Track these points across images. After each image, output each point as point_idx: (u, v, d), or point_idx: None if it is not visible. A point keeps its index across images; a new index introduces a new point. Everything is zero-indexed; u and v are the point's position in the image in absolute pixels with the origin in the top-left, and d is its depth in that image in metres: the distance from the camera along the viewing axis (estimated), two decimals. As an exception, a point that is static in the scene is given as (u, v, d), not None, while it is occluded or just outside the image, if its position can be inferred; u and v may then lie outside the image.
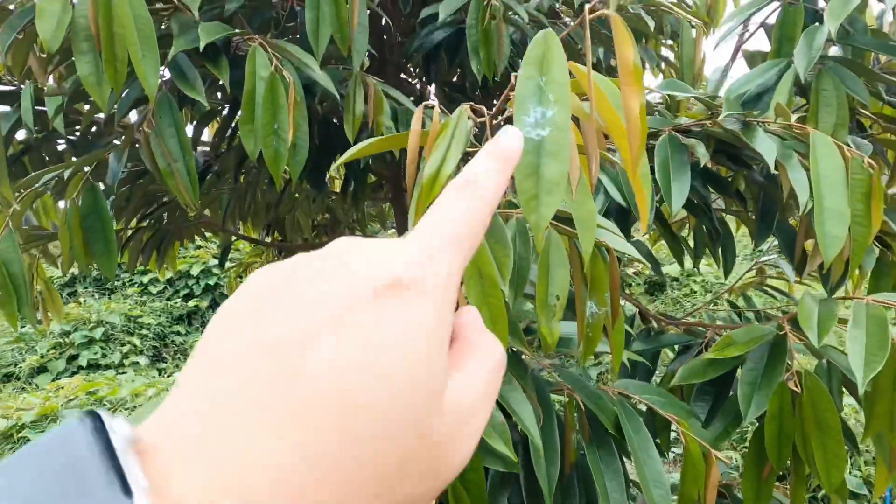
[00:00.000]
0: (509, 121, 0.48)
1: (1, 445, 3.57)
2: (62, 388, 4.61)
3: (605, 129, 0.43)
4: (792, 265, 1.10)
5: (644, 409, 0.84)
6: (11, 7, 1.10)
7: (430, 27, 1.33)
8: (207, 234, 2.59)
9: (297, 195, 2.82)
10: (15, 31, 0.76)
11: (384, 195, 2.92)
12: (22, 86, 1.42)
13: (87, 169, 1.25)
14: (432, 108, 0.51)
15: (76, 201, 1.21)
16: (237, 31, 0.83)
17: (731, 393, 0.88)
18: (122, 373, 6.02)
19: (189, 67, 0.82)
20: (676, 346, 1.13)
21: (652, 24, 1.24)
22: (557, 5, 1.68)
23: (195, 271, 8.07)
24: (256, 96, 0.83)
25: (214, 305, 8.07)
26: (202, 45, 0.74)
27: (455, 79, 1.81)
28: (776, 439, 0.74)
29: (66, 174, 1.17)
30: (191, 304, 7.73)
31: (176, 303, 7.65)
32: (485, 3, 1.11)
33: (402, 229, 2.07)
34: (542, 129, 0.39)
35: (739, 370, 0.90)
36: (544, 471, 0.65)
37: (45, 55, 1.01)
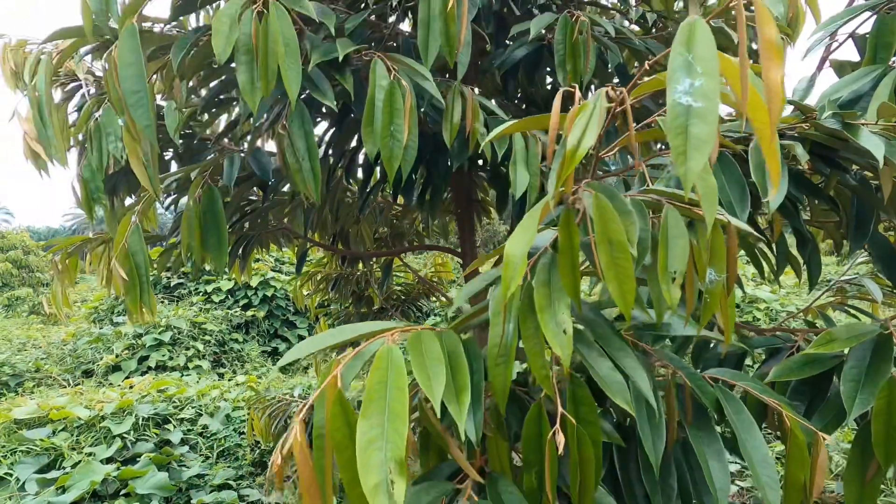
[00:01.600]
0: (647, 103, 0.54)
1: (84, 433, 3.87)
2: (135, 385, 4.94)
3: (739, 104, 0.48)
4: (887, 277, 1.08)
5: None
6: (157, 28, 1.29)
7: (515, 44, 1.42)
8: (274, 244, 2.76)
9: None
10: (184, 49, 0.90)
11: (446, 207, 3.02)
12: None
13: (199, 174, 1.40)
14: (572, 94, 0.58)
15: (197, 200, 1.36)
16: (362, 46, 0.94)
17: (829, 394, 0.88)
18: (187, 374, 6.37)
19: (321, 79, 0.94)
20: (762, 352, 1.13)
21: (736, 38, 1.27)
22: (629, 24, 1.74)
23: (254, 282, 8.50)
24: (377, 102, 0.93)
25: (271, 315, 8.43)
26: (341, 57, 0.86)
27: (519, 93, 1.88)
28: (884, 436, 0.74)
29: (193, 175, 1.33)
30: (249, 313, 8.12)
31: (236, 311, 8.06)
32: (573, 20, 1.19)
33: (466, 243, 2.15)
34: (691, 97, 0.45)
35: (835, 376, 0.90)
36: (651, 442, 0.68)
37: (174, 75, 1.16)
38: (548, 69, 1.62)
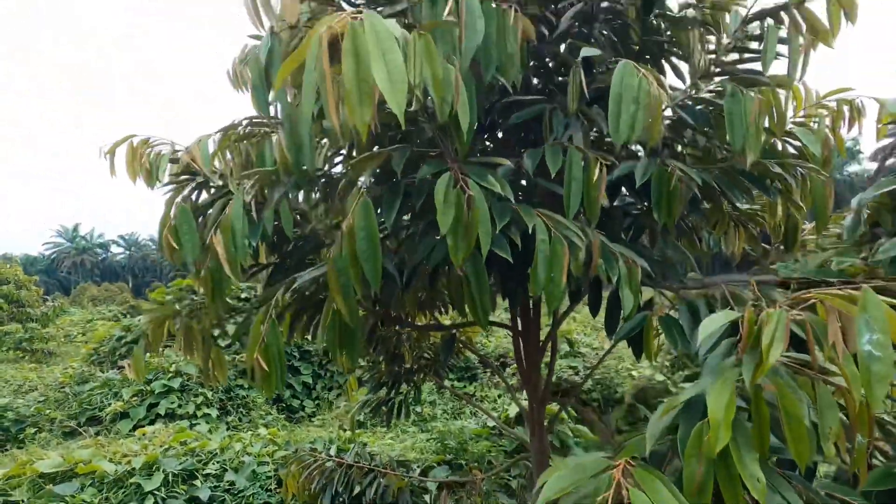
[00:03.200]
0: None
1: (113, 490, 3.86)
2: (156, 435, 4.92)
3: None
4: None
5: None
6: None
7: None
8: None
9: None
10: (394, 209, 1.13)
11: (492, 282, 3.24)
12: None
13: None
14: (756, 305, 0.82)
15: (334, 306, 1.56)
16: (533, 211, 1.19)
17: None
18: (196, 423, 6.32)
19: (499, 237, 1.18)
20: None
21: (793, 181, 1.56)
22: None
23: (260, 327, 8.52)
24: (539, 253, 1.17)
25: (276, 361, 8.42)
26: (530, 229, 1.09)
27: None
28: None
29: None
30: (255, 358, 8.10)
31: (243, 357, 8.06)
32: (669, 170, 1.46)
33: (531, 326, 2.37)
34: (872, 346, 0.69)
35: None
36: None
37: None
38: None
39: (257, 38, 1.86)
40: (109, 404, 6.48)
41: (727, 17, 2.00)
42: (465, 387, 8.22)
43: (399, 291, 3.49)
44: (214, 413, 6.70)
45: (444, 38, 1.02)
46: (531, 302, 2.35)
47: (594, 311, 1.80)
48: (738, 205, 2.29)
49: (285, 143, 1.28)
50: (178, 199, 1.94)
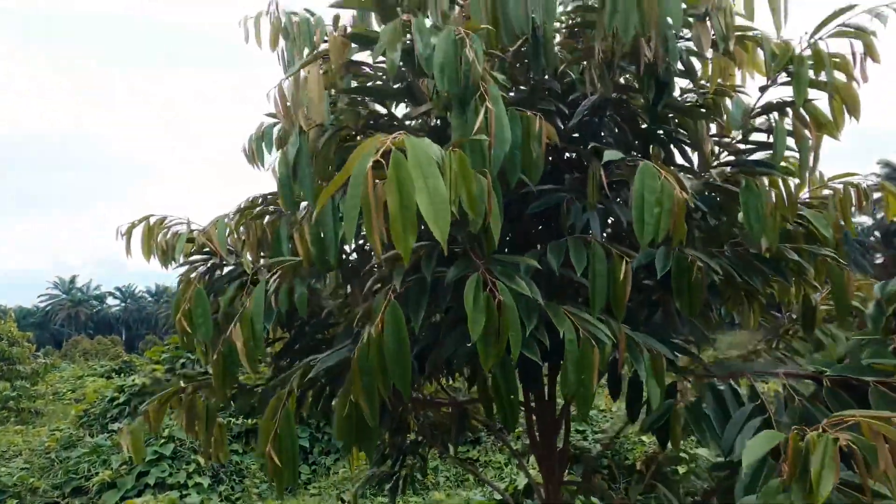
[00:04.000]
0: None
1: (96, 576, 3.59)
2: (144, 511, 4.65)
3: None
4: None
5: None
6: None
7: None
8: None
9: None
10: (422, 308, 1.12)
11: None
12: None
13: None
14: (798, 427, 0.79)
15: (350, 399, 1.51)
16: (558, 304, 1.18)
17: None
18: (186, 494, 6.00)
19: (530, 339, 1.16)
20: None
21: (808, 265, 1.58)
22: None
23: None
24: (567, 353, 1.15)
25: (272, 424, 8.11)
26: (562, 334, 1.08)
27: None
28: None
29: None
30: (251, 421, 7.82)
31: (237, 420, 7.77)
32: (689, 259, 1.47)
33: (547, 407, 2.30)
34: None
35: None
36: None
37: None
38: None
39: (273, 115, 1.93)
40: (97, 472, 6.18)
41: (728, 103, 2.08)
42: (468, 451, 7.89)
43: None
44: (206, 482, 6.39)
45: (474, 147, 1.05)
46: (546, 379, 2.30)
47: (615, 396, 1.76)
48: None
49: (310, 237, 1.30)
50: (193, 276, 1.93)
